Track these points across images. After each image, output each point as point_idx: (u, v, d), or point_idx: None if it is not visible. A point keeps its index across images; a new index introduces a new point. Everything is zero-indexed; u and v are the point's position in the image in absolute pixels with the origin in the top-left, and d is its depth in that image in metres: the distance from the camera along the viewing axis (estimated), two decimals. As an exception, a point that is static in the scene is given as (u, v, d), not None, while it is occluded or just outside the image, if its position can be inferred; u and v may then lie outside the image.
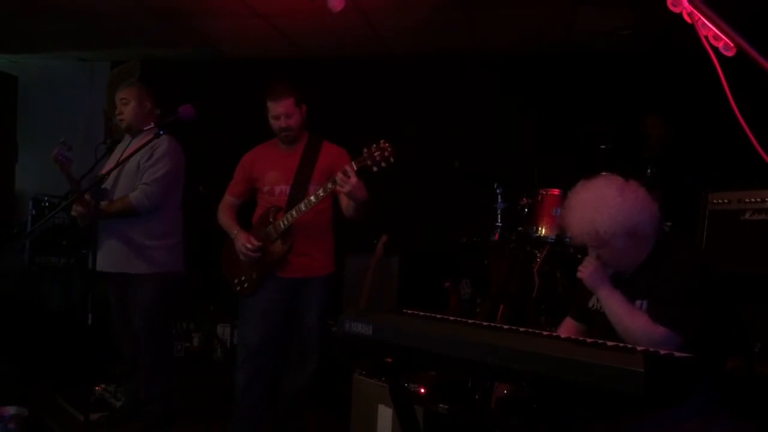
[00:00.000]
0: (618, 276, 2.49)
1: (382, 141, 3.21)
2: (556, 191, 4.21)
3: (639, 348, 1.77)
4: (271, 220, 3.51)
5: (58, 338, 5.25)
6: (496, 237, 4.52)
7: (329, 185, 3.28)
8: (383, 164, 3.16)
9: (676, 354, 1.77)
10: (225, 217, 3.69)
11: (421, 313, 2.42)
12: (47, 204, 5.75)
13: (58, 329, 5.33)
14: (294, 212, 3.41)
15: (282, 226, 3.47)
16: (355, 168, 3.18)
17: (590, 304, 2.59)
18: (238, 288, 3.59)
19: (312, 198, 3.36)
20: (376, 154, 3.17)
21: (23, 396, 3.92)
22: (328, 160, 3.61)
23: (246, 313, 3.64)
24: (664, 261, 2.34)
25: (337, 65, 6.14)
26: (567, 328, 2.70)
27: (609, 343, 1.83)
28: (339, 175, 3.18)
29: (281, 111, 3.52)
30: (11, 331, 5.14)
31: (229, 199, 3.75)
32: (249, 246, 3.45)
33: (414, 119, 5.96)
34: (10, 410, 3.62)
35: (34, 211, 5.75)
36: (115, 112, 4.06)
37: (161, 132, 3.59)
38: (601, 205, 2.32)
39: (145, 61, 6.65)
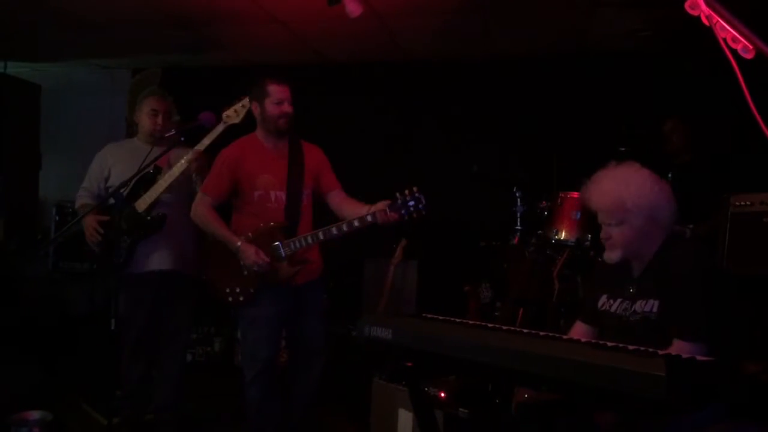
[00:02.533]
0: (626, 275, 2.49)
1: (415, 189, 3.21)
2: (575, 194, 4.19)
3: (660, 352, 1.76)
4: (279, 238, 3.43)
5: (82, 343, 5.30)
6: (516, 241, 4.51)
7: (368, 218, 3.26)
8: (414, 215, 3.21)
9: (698, 358, 1.76)
10: (216, 225, 3.49)
11: (441, 318, 2.42)
12: (71, 210, 5.81)
13: (81, 334, 5.39)
14: (310, 239, 3.38)
15: (293, 249, 3.42)
16: (389, 218, 3.22)
17: (599, 305, 2.59)
18: (230, 299, 3.47)
19: (334, 230, 3.31)
20: (410, 204, 3.19)
21: (47, 401, 3.97)
22: (313, 164, 3.60)
23: (252, 326, 3.53)
24: (672, 262, 2.36)
25: (355, 70, 6.16)
26: (577, 331, 2.70)
27: (630, 347, 1.82)
28: (379, 216, 3.22)
29: (284, 96, 3.48)
30: (35, 336, 5.21)
31: (208, 200, 3.53)
32: (261, 263, 3.37)
33: (432, 123, 5.96)
34: (35, 415, 3.67)
35: (57, 218, 5.82)
36: (136, 118, 4.08)
37: (183, 139, 3.62)
38: (631, 181, 2.40)
39: (166, 68, 6.70)
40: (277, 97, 3.48)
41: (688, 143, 4.74)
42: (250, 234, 3.45)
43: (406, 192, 3.20)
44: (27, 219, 5.98)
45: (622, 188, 2.39)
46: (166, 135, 3.84)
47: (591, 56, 5.62)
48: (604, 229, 2.47)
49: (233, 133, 3.71)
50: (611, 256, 2.48)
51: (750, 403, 2.21)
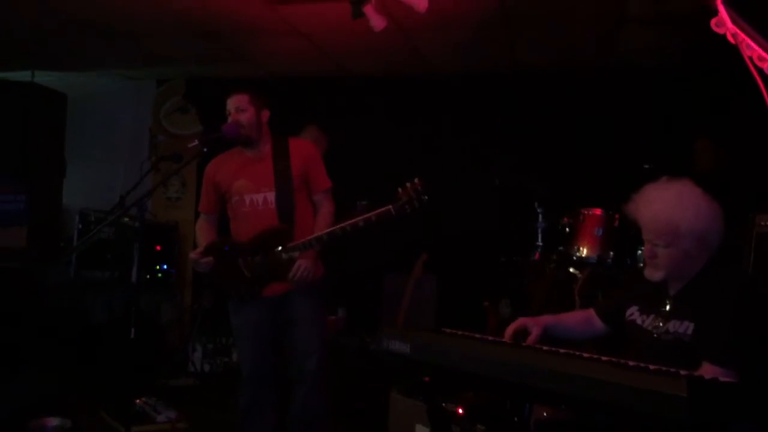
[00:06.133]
0: (661, 291, 2.45)
1: (416, 179, 3.22)
2: (598, 211, 4.17)
3: (683, 372, 1.73)
4: (284, 243, 3.42)
5: (101, 351, 5.34)
6: (537, 257, 4.48)
7: (373, 218, 3.25)
8: (416, 204, 3.19)
9: (721, 379, 1.73)
10: (199, 237, 3.66)
11: (460, 333, 2.40)
12: (93, 218, 5.87)
13: (101, 342, 5.43)
14: (314, 241, 3.38)
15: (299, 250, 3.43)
16: (393, 214, 3.20)
17: (627, 314, 2.54)
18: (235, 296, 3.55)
19: (338, 231, 3.32)
20: (412, 193, 3.19)
21: (66, 408, 4.00)
22: (301, 160, 3.58)
23: (236, 334, 3.65)
24: (712, 285, 2.30)
25: (378, 83, 6.18)
26: (581, 315, 2.71)
27: (651, 367, 1.80)
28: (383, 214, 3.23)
29: (233, 105, 3.51)
30: (56, 343, 5.25)
31: (203, 217, 3.72)
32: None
33: (455, 137, 5.96)
34: (53, 422, 3.70)
35: (80, 226, 5.88)
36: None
37: (205, 150, 3.64)
38: (687, 203, 2.31)
39: (190, 79, 6.78)
40: (228, 109, 3.54)
41: (716, 166, 4.67)
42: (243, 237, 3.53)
43: (408, 186, 3.22)
44: (50, 227, 6.04)
45: (678, 212, 2.30)
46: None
47: (616, 71, 5.59)
48: (650, 247, 2.39)
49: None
50: (654, 275, 2.40)
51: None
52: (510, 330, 2.54)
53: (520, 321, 2.56)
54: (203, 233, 3.66)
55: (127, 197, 3.71)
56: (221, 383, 5.43)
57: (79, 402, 4.60)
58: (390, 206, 3.22)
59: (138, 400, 4.50)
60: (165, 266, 6.21)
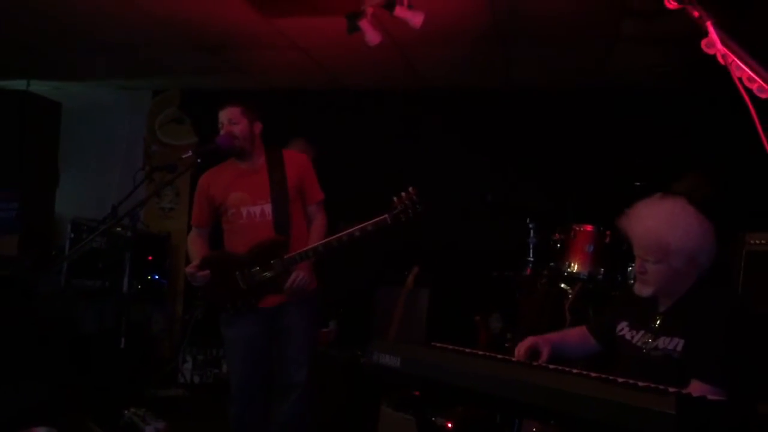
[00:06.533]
0: (651, 307, 2.46)
1: (410, 188, 3.26)
2: (589, 227, 4.18)
3: (671, 389, 1.74)
4: (281, 255, 3.43)
5: (91, 361, 5.31)
6: (528, 272, 4.49)
7: (369, 227, 3.29)
8: (410, 212, 3.23)
9: (710, 397, 1.74)
10: (191, 250, 3.65)
11: (450, 347, 2.41)
12: (85, 228, 5.86)
13: (91, 352, 5.40)
14: (311, 252, 3.40)
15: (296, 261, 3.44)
16: (389, 223, 3.24)
17: (618, 329, 2.55)
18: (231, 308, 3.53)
19: (335, 242, 3.34)
20: (407, 202, 3.23)
21: (54, 417, 3.97)
22: (296, 172, 3.61)
23: (227, 347, 3.65)
24: (703, 303, 2.31)
25: (374, 98, 6.20)
26: (577, 333, 2.72)
27: (640, 384, 1.80)
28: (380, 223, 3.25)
29: (225, 117, 3.52)
30: (45, 352, 5.22)
31: (195, 231, 3.71)
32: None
33: (449, 152, 5.98)
34: (41, 431, 3.67)
35: (72, 235, 5.86)
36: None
37: (199, 161, 3.64)
38: (679, 221, 2.32)
39: (185, 90, 6.79)
40: (221, 121, 3.56)
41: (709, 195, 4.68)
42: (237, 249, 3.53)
43: (403, 195, 3.26)
44: (42, 235, 6.03)
45: (669, 229, 2.31)
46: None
47: (610, 90, 5.64)
48: (640, 263, 2.40)
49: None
50: (643, 290, 2.41)
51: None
52: (522, 349, 2.54)
53: (531, 341, 2.56)
54: (196, 247, 3.65)
55: (119, 207, 3.71)
56: (211, 395, 5.41)
57: (68, 412, 4.57)
58: (386, 215, 3.25)
59: (127, 411, 4.47)
60: (156, 276, 6.20)
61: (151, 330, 6.33)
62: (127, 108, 6.97)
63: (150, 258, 6.15)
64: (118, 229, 5.56)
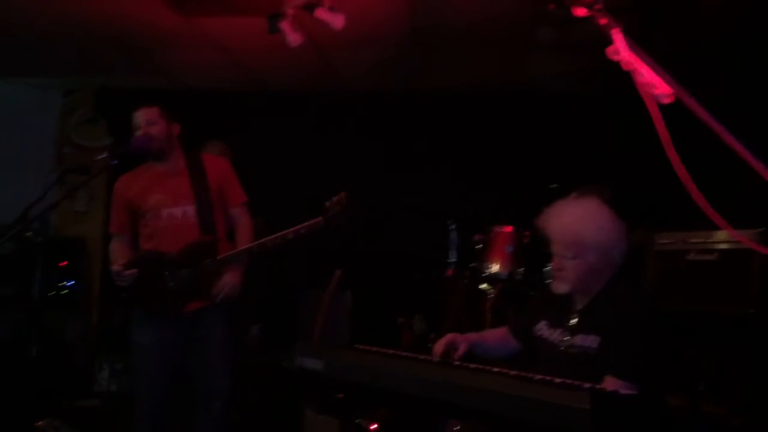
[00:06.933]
0: (567, 306, 2.53)
1: (341, 193, 3.32)
2: (509, 228, 4.27)
3: (586, 385, 1.79)
4: (211, 256, 3.40)
5: (1, 371, 5.09)
6: (450, 273, 4.55)
7: (302, 230, 3.31)
8: (342, 217, 3.30)
9: (622, 391, 1.81)
10: (113, 252, 3.56)
11: (374, 349, 2.42)
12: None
13: (1, 361, 5.18)
14: (245, 253, 3.38)
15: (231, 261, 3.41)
16: (323, 225, 3.28)
17: (536, 328, 2.62)
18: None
19: (268, 243, 3.34)
20: (339, 207, 3.29)
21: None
22: (217, 176, 3.59)
23: (137, 356, 3.56)
24: (617, 300, 2.40)
25: (295, 100, 6.16)
26: (499, 333, 2.82)
27: (557, 380, 1.86)
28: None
29: (142, 118, 3.46)
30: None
31: (116, 239, 3.60)
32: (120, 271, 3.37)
33: (370, 155, 5.99)
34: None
35: (-23, 241, 5.60)
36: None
37: (114, 162, 3.54)
38: (592, 218, 2.44)
39: (100, 90, 6.58)
40: (135, 123, 3.50)
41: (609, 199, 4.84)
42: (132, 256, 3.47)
43: (335, 199, 3.33)
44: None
45: (584, 224, 2.42)
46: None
47: (528, 94, 5.75)
48: (557, 260, 2.49)
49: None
50: (560, 287, 2.50)
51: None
52: (440, 345, 2.60)
53: (449, 337, 2.62)
54: (120, 255, 3.51)
55: (29, 210, 3.57)
56: (129, 404, 5.25)
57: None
58: (321, 218, 3.26)
59: (40, 422, 4.30)
60: (71, 282, 5.98)
61: (65, 338, 6.10)
62: (37, 108, 6.68)
63: (63, 263, 5.93)
64: (28, 233, 5.35)
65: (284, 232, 3.32)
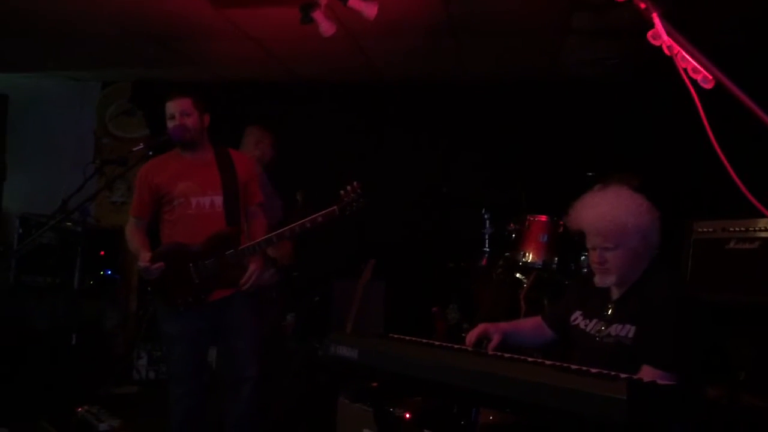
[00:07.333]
0: (604, 296, 2.51)
1: (354, 183, 3.34)
2: (543, 217, 4.24)
3: (623, 375, 1.77)
4: (234, 247, 3.43)
5: (42, 358, 5.20)
6: (484, 262, 4.54)
7: (319, 218, 3.34)
8: (355, 205, 3.31)
9: (659, 382, 1.78)
10: (134, 242, 3.57)
11: (407, 338, 2.42)
12: (34, 223, 5.72)
13: (42, 349, 5.29)
14: (264, 243, 3.41)
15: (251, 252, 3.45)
16: (338, 214, 3.30)
17: (571, 319, 2.60)
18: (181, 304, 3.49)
19: (285, 233, 3.38)
20: (353, 195, 3.31)
21: (6, 417, 3.88)
22: (245, 171, 3.65)
23: (169, 344, 3.60)
24: (653, 289, 2.36)
25: (327, 88, 6.17)
26: (532, 323, 2.78)
27: (593, 370, 1.84)
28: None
29: (176, 109, 3.49)
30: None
31: (134, 221, 3.64)
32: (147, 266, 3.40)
33: (403, 144, 5.98)
34: (-8, 432, 3.59)
35: (21, 230, 5.72)
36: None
37: (151, 153, 3.59)
38: (629, 202, 2.40)
39: (136, 82, 6.67)
40: (169, 113, 3.52)
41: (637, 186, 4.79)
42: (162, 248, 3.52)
43: (349, 188, 3.34)
44: (-11, 231, 5.88)
45: (622, 210, 2.37)
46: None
47: (561, 82, 5.70)
48: (598, 253, 2.42)
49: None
50: (605, 281, 2.44)
51: (712, 427, 2.24)
52: (473, 336, 2.57)
53: (482, 327, 2.60)
54: (137, 237, 3.58)
55: (69, 201, 3.64)
56: (166, 391, 5.34)
57: (20, 411, 4.48)
58: (335, 207, 3.28)
59: (80, 409, 4.38)
60: (109, 272, 6.08)
61: (105, 326, 6.22)
62: (77, 100, 6.80)
63: (102, 253, 6.03)
64: (68, 224, 5.45)
65: (301, 221, 3.35)
